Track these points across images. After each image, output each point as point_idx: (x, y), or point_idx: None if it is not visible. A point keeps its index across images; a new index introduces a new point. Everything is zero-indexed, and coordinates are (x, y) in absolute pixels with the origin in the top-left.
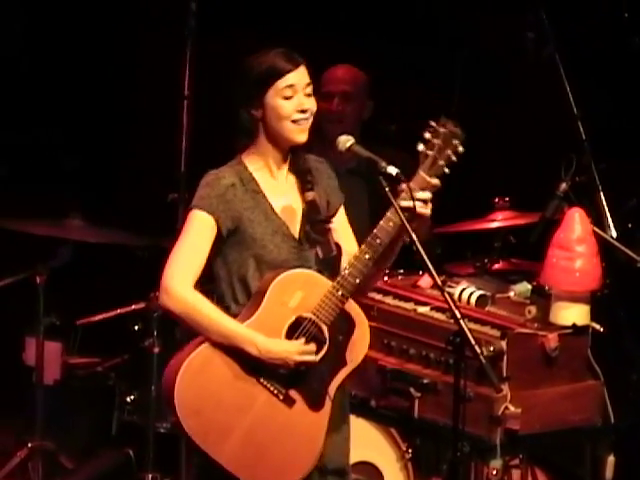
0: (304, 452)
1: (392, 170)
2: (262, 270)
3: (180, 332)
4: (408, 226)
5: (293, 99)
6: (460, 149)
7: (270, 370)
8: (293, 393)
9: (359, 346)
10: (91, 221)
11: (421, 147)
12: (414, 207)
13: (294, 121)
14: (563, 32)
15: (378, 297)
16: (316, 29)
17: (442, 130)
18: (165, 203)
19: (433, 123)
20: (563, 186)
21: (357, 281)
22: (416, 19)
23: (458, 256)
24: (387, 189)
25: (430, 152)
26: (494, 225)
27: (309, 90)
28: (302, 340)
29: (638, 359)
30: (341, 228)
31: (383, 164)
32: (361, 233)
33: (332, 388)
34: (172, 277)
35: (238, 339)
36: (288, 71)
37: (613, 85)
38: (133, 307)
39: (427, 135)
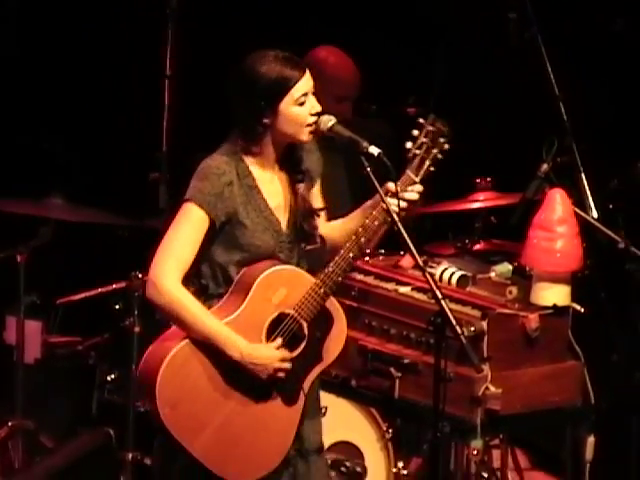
0: (275, 446)
1: (374, 150)
2: (244, 262)
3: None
4: (397, 218)
5: (306, 104)
6: (446, 147)
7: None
8: (269, 388)
9: (335, 343)
10: (72, 200)
11: (409, 145)
12: (399, 207)
13: (307, 124)
14: (545, 13)
15: (359, 277)
16: (296, 11)
17: (430, 128)
18: (146, 182)
19: (422, 120)
20: (544, 167)
21: (340, 279)
22: (398, 2)
23: (439, 236)
24: (368, 169)
25: (418, 151)
26: (475, 205)
27: (313, 90)
28: (279, 341)
29: (618, 340)
30: (313, 199)
31: (365, 144)
32: (340, 207)
33: (306, 383)
34: (161, 270)
35: (221, 342)
36: (300, 79)
37: (595, 66)
38: (114, 286)
39: (415, 132)
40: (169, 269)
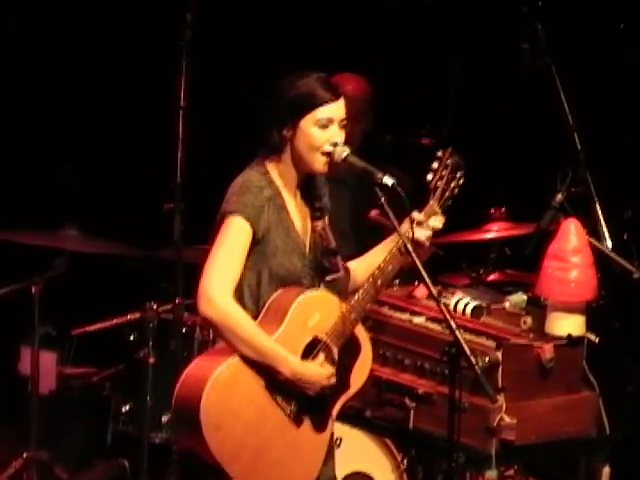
0: (304, 471)
1: (388, 181)
2: (273, 284)
3: (175, 343)
4: (411, 248)
5: (327, 130)
6: (461, 181)
7: (288, 390)
8: (302, 413)
9: (361, 372)
10: (87, 232)
11: (430, 177)
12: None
13: (323, 153)
14: (558, 43)
15: (374, 307)
16: (313, 37)
17: (449, 162)
18: (161, 214)
19: (440, 153)
20: (559, 197)
21: (368, 306)
22: (411, 29)
23: (453, 267)
24: (383, 199)
25: (439, 183)
26: (490, 236)
27: (344, 123)
28: (322, 357)
29: (633, 370)
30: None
31: (379, 175)
32: (340, 240)
33: (335, 410)
34: (213, 285)
35: (272, 358)
36: (330, 101)
37: (609, 96)
38: (128, 317)
39: (435, 165)
40: (220, 283)
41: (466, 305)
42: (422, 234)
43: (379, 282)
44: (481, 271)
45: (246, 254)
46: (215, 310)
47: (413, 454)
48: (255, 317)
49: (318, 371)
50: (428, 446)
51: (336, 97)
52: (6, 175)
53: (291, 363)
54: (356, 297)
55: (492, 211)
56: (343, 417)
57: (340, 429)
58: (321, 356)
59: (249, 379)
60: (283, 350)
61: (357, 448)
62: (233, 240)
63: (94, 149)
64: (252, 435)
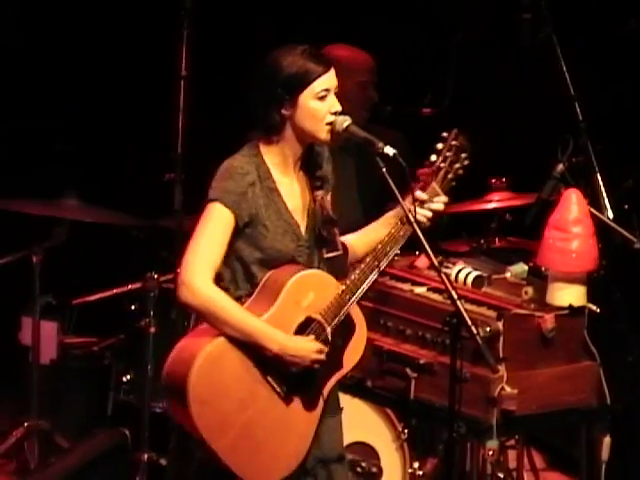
0: (293, 450)
1: (389, 151)
2: (266, 264)
3: (175, 312)
4: (412, 219)
5: (326, 101)
6: (466, 162)
7: (278, 368)
8: (293, 392)
9: (354, 351)
10: (87, 201)
11: (434, 158)
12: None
13: (327, 123)
14: (558, 13)
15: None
16: (312, 12)
17: (454, 143)
18: (161, 183)
19: (445, 134)
20: (560, 167)
21: (365, 287)
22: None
23: (454, 237)
24: (384, 170)
25: (443, 165)
26: (490, 206)
27: (337, 91)
28: (312, 337)
29: (634, 340)
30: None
31: (380, 144)
32: (348, 210)
33: (326, 389)
34: (193, 272)
35: (260, 336)
36: (323, 73)
37: (609, 66)
38: (129, 287)
39: (439, 146)
40: (200, 270)
41: (467, 275)
42: (422, 214)
43: (376, 263)
44: (482, 241)
45: (227, 240)
46: (197, 298)
47: (414, 424)
48: (249, 295)
49: (305, 344)
50: (429, 416)
51: (327, 67)
52: (6, 143)
53: (278, 338)
54: (352, 277)
55: (493, 181)
56: (344, 387)
57: (341, 399)
58: (312, 336)
59: (239, 356)
60: (270, 328)
61: (358, 418)
62: (213, 227)
63: (95, 118)
64: (240, 412)
